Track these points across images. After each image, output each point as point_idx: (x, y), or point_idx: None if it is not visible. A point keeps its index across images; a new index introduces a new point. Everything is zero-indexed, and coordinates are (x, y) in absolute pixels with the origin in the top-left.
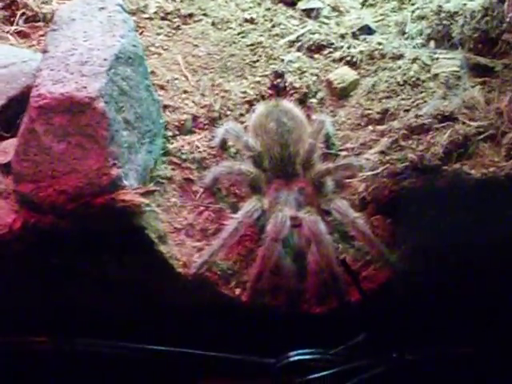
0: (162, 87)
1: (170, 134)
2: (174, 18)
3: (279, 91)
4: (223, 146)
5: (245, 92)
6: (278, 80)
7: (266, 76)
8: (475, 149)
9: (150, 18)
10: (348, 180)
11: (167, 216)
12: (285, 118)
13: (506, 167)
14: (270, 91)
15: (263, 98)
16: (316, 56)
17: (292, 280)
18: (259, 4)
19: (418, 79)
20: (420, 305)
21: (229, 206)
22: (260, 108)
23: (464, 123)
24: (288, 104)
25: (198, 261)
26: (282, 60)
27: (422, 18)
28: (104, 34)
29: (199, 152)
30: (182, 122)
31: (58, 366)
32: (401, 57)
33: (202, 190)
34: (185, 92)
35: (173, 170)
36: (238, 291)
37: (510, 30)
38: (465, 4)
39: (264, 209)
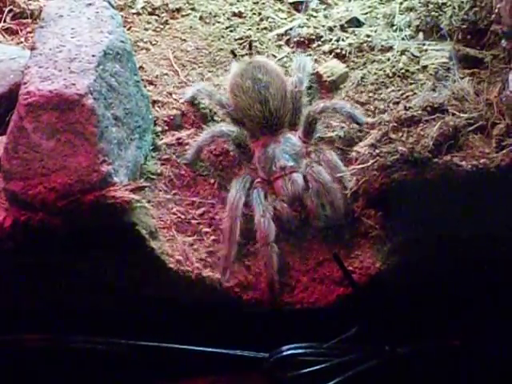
0: (150, 82)
1: (159, 129)
2: (162, 12)
3: None
4: (193, 102)
5: None
6: None
7: None
8: (465, 140)
9: (138, 13)
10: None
11: (158, 212)
12: (259, 74)
13: (497, 158)
14: None
15: None
16: (305, 49)
17: None
18: None
19: (407, 71)
20: (412, 297)
21: (219, 200)
22: (234, 68)
23: (454, 115)
24: (261, 59)
25: (219, 271)
26: (274, 56)
27: (410, 9)
28: (92, 31)
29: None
30: (172, 118)
31: (50, 363)
32: (390, 49)
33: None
34: (174, 87)
35: (163, 165)
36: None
37: (499, 20)
38: None
39: (248, 186)
